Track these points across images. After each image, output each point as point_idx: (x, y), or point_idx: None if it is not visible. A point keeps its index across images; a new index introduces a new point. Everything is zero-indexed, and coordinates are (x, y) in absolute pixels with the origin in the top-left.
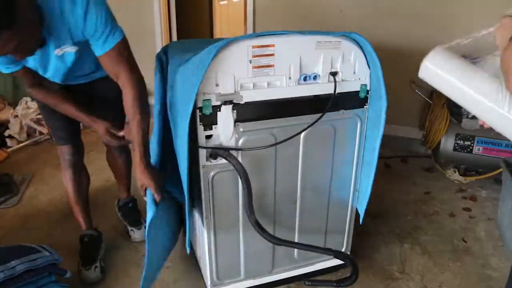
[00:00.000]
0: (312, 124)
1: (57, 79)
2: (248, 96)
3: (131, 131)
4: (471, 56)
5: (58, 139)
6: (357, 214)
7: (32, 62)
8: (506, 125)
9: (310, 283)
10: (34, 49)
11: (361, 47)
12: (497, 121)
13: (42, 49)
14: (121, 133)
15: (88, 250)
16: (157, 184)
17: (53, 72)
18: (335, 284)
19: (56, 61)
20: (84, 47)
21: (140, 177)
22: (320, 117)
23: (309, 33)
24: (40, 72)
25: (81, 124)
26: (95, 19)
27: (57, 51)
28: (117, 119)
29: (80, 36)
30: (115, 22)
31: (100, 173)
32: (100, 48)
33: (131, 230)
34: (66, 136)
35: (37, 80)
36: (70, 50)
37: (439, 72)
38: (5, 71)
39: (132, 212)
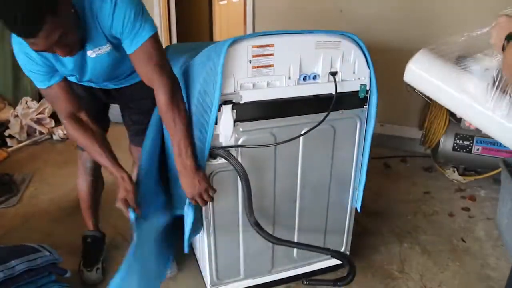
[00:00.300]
0: (315, 127)
1: (95, 83)
2: (248, 96)
3: (172, 137)
4: (463, 55)
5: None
6: (357, 214)
7: (70, 64)
8: (492, 126)
9: (308, 282)
10: (75, 47)
11: (360, 47)
12: (484, 122)
13: (80, 51)
14: (137, 211)
15: (90, 251)
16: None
17: (90, 75)
18: (332, 283)
19: (92, 63)
20: (118, 47)
21: (193, 182)
22: (324, 118)
23: (309, 32)
24: (78, 77)
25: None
26: (123, 16)
27: (90, 53)
28: (140, 134)
29: (111, 35)
30: (147, 19)
31: None
32: (129, 47)
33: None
34: None
35: (75, 109)
36: (104, 50)
37: (424, 74)
38: (42, 85)
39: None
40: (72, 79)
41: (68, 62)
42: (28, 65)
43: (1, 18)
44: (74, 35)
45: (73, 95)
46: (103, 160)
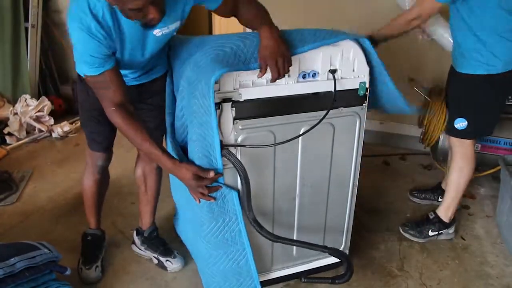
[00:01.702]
0: (315, 126)
1: (141, 69)
2: (247, 94)
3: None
4: None
5: (94, 144)
6: (356, 212)
7: (130, 44)
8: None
9: (306, 280)
10: (162, 17)
11: (360, 45)
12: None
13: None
14: (211, 173)
15: (90, 249)
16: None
17: (149, 55)
18: (330, 281)
19: (153, 43)
20: (181, 23)
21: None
22: (324, 116)
23: (308, 47)
24: (138, 54)
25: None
26: None
27: (157, 32)
28: (160, 130)
29: (189, 5)
30: None
31: None
32: (214, 2)
33: (167, 261)
34: (105, 144)
35: (125, 98)
36: (171, 28)
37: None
38: (95, 71)
39: (161, 241)
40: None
41: (129, 41)
42: (89, 46)
43: None
44: (164, 4)
45: (123, 83)
46: (153, 149)
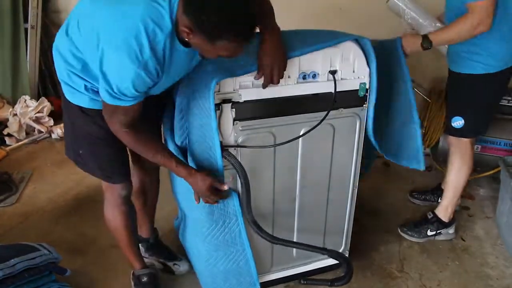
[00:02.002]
0: (315, 127)
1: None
2: (247, 95)
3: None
4: None
5: (116, 176)
6: (356, 213)
7: (179, 67)
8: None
9: (305, 282)
10: None
11: (360, 46)
12: None
13: None
14: (225, 186)
15: None
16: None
17: (182, 76)
18: (329, 283)
19: (194, 66)
20: None
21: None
22: (324, 118)
23: (309, 49)
24: (175, 78)
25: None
26: None
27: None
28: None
29: None
30: None
31: None
32: None
33: (175, 264)
34: (125, 171)
35: (138, 118)
36: None
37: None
38: (132, 102)
39: (165, 246)
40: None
41: (174, 68)
42: (138, 83)
43: (240, 25)
44: None
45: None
46: (167, 160)
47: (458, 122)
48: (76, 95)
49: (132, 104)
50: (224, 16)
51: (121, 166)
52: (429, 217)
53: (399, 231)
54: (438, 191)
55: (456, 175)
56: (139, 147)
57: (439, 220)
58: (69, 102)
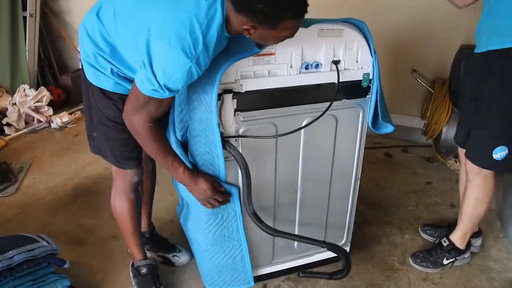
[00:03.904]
0: (317, 118)
1: None
2: (249, 85)
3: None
4: None
5: (128, 160)
6: (358, 206)
7: (216, 54)
8: None
9: (303, 275)
10: None
11: (364, 35)
12: None
13: None
14: (222, 188)
15: (150, 283)
16: None
17: None
18: (328, 276)
19: None
20: None
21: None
22: (327, 109)
23: (312, 22)
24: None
25: None
26: None
27: None
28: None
29: None
30: None
31: (99, 160)
32: None
33: (174, 256)
34: (137, 156)
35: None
36: None
37: None
38: (170, 95)
39: (163, 238)
40: None
41: (213, 56)
42: (187, 76)
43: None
44: None
45: None
46: (175, 162)
47: (500, 154)
48: (100, 77)
49: (169, 96)
50: None
51: (133, 151)
52: (444, 244)
53: (411, 262)
54: (453, 228)
55: (475, 208)
56: (154, 144)
57: (455, 248)
58: (90, 84)
